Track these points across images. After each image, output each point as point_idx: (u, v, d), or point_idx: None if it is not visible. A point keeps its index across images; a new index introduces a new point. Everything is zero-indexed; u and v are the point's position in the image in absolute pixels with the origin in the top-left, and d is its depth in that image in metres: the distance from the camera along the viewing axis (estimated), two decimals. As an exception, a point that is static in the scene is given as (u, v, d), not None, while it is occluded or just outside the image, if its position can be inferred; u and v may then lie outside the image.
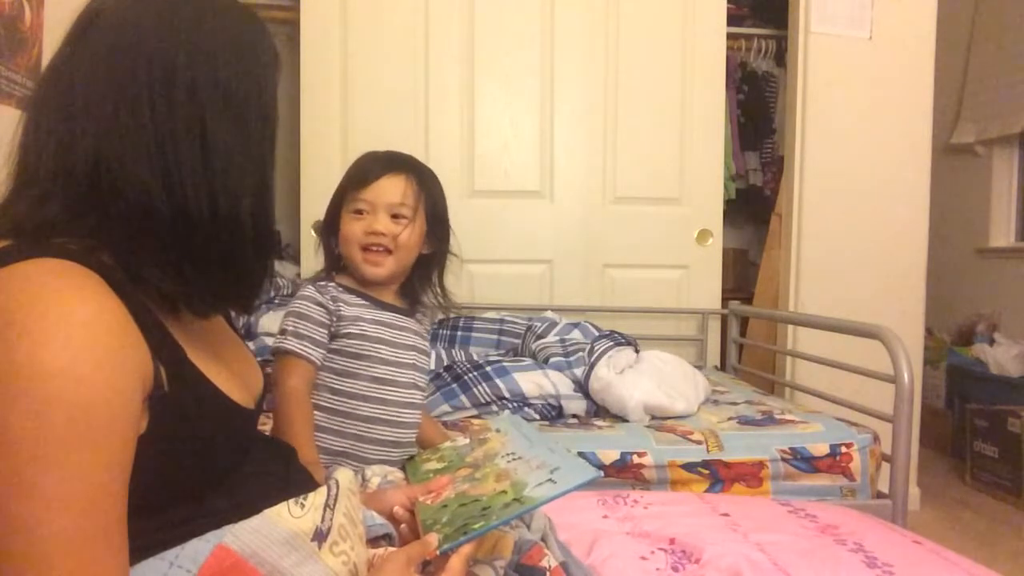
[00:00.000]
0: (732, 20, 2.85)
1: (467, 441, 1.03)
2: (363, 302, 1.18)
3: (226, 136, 0.63)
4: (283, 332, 1.13)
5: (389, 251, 1.15)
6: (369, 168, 1.16)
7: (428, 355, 1.28)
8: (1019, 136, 3.40)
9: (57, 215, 0.59)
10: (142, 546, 0.57)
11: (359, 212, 1.15)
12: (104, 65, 0.61)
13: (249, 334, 2.14)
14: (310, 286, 1.17)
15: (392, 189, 1.15)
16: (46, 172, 0.61)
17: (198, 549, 0.58)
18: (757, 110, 3.13)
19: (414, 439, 1.22)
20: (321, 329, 1.13)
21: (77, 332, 0.52)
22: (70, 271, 0.55)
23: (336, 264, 1.21)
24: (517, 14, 2.64)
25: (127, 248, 0.60)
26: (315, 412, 1.12)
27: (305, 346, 1.11)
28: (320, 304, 1.14)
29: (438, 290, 1.26)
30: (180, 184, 0.61)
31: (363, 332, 1.15)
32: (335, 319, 1.15)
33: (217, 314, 0.70)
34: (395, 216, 1.15)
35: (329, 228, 1.20)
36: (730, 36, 2.85)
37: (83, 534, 0.51)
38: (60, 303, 0.53)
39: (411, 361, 1.20)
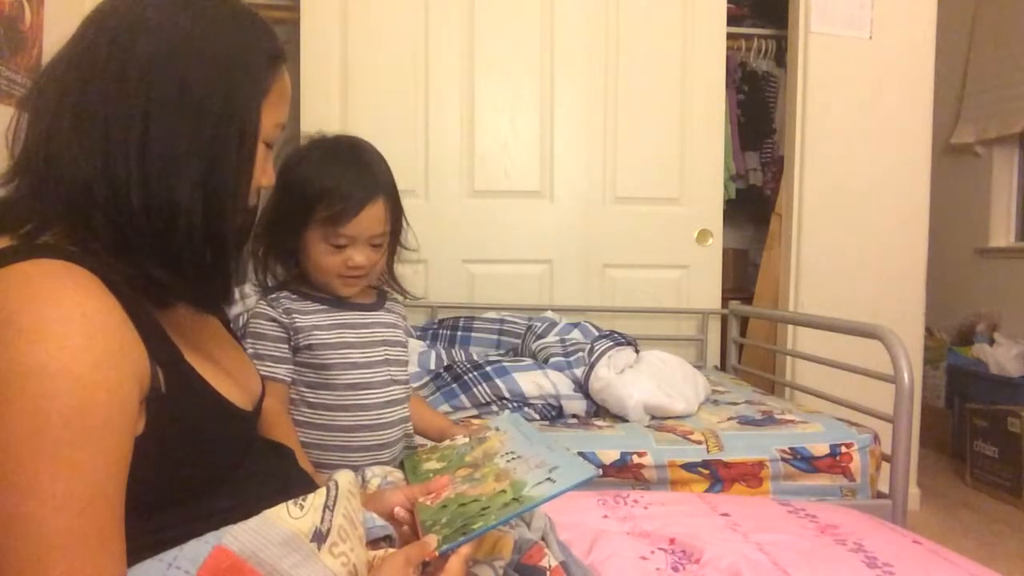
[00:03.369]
0: (732, 20, 2.85)
1: (466, 440, 1.03)
2: (320, 307, 1.12)
3: (171, 131, 0.62)
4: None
5: (366, 273, 1.13)
6: (347, 201, 1.05)
7: (404, 344, 1.21)
8: (1019, 136, 3.39)
9: (24, 206, 0.60)
10: (140, 547, 0.57)
11: (338, 247, 1.07)
12: (75, 56, 0.62)
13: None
14: (261, 302, 1.12)
15: (374, 221, 1.07)
16: (15, 163, 0.62)
17: (197, 550, 0.58)
18: (757, 110, 3.13)
19: (404, 433, 1.19)
20: (280, 345, 1.09)
21: (74, 332, 0.52)
22: (68, 272, 0.56)
23: (292, 276, 1.14)
24: (517, 14, 2.64)
25: (82, 238, 0.60)
26: (298, 428, 1.09)
27: (267, 365, 1.07)
28: (273, 319, 1.09)
29: (388, 278, 1.21)
30: (115, 171, 0.60)
31: (324, 341, 1.10)
32: (291, 332, 1.09)
33: (174, 306, 0.69)
34: (374, 245, 1.10)
35: (282, 248, 1.11)
36: (730, 36, 2.85)
37: (80, 533, 0.51)
38: (58, 303, 0.53)
39: (383, 357, 1.15)
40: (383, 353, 1.15)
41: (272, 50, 0.69)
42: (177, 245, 0.63)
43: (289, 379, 1.10)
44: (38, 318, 0.52)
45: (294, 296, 1.12)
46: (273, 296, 1.11)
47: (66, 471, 0.50)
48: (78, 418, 0.51)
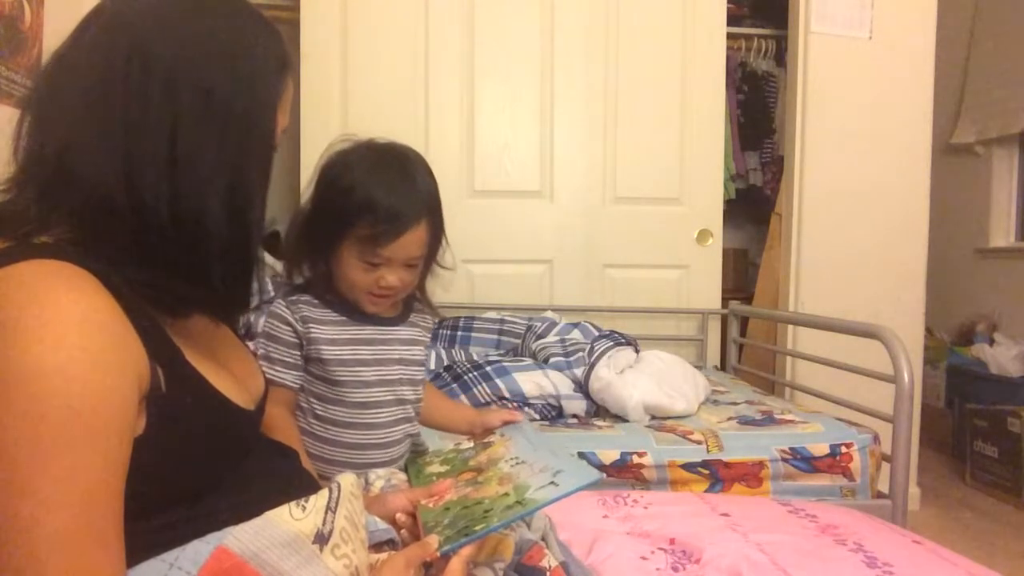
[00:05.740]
0: (732, 20, 2.85)
1: (471, 445, 1.03)
2: (339, 317, 1.07)
3: (199, 140, 0.61)
4: (255, 355, 1.03)
5: (396, 294, 1.07)
6: (390, 222, 0.99)
7: (422, 364, 1.15)
8: (1019, 136, 3.40)
9: (26, 208, 0.59)
10: (142, 547, 0.57)
11: (372, 265, 1.01)
12: (88, 57, 0.61)
13: (249, 334, 2.14)
14: (280, 302, 1.07)
15: (414, 244, 1.02)
16: (20, 165, 0.61)
17: (198, 550, 0.58)
18: (757, 110, 3.13)
19: (410, 444, 1.16)
20: (292, 351, 1.05)
21: (71, 332, 0.52)
22: (65, 272, 0.55)
23: (318, 276, 1.08)
24: (517, 14, 2.65)
25: (93, 244, 0.59)
26: (304, 438, 1.06)
27: (277, 370, 1.04)
28: (288, 324, 1.05)
29: (417, 293, 1.15)
30: (141, 182, 0.59)
31: (337, 357, 1.05)
32: (305, 341, 1.05)
33: (192, 316, 0.68)
34: (409, 266, 1.04)
35: (315, 251, 1.07)
36: (730, 36, 2.85)
37: (79, 533, 0.51)
38: (54, 303, 0.53)
39: (396, 377, 1.09)
40: (398, 372, 1.10)
41: (281, 56, 0.68)
42: (204, 257, 0.62)
43: (297, 385, 1.07)
44: (34, 319, 0.52)
45: (315, 301, 1.07)
46: (293, 298, 1.06)
47: (64, 472, 0.50)
48: (75, 419, 0.51)
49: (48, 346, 0.51)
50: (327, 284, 1.07)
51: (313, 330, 1.05)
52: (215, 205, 0.62)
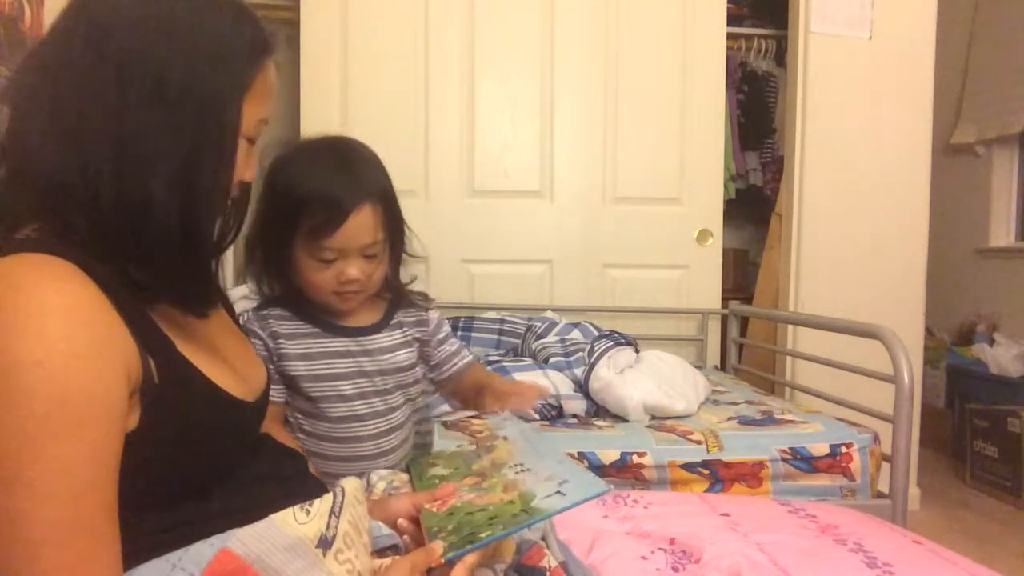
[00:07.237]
0: (732, 20, 2.85)
1: (474, 448, 1.03)
2: (312, 330, 1.03)
3: (147, 125, 0.60)
4: None
5: (363, 287, 1.02)
6: (329, 211, 0.94)
7: (411, 367, 1.10)
8: (1019, 136, 3.39)
9: (6, 202, 0.60)
10: (145, 547, 0.57)
11: (326, 261, 0.98)
12: (51, 46, 0.61)
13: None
14: (251, 315, 1.03)
15: (362, 230, 0.96)
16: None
17: (202, 552, 0.58)
18: (757, 110, 3.13)
19: (407, 448, 1.13)
20: (269, 365, 1.00)
21: (52, 324, 0.52)
22: (48, 265, 0.55)
23: (290, 287, 1.04)
24: (517, 14, 2.65)
25: (63, 234, 0.59)
26: None
27: None
28: (259, 338, 1.02)
29: (393, 287, 1.10)
30: (91, 167, 0.59)
31: (311, 372, 1.01)
32: (276, 357, 1.02)
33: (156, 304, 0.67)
34: (367, 256, 0.99)
35: (274, 261, 1.02)
36: (730, 36, 2.85)
37: (70, 526, 0.51)
38: (37, 296, 0.53)
39: (380, 387, 1.06)
40: (380, 383, 1.07)
41: (256, 42, 0.66)
42: (151, 244, 0.61)
43: (281, 399, 1.04)
44: (17, 312, 0.52)
45: (286, 314, 1.03)
46: (264, 312, 1.03)
47: (52, 464, 0.51)
48: (59, 411, 0.51)
49: (30, 340, 0.51)
50: (299, 295, 1.04)
51: (283, 346, 1.02)
52: (161, 191, 0.60)
